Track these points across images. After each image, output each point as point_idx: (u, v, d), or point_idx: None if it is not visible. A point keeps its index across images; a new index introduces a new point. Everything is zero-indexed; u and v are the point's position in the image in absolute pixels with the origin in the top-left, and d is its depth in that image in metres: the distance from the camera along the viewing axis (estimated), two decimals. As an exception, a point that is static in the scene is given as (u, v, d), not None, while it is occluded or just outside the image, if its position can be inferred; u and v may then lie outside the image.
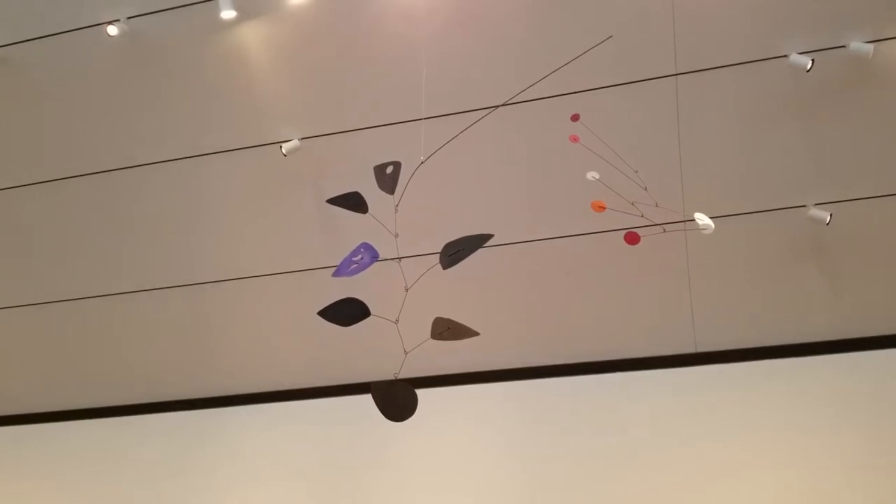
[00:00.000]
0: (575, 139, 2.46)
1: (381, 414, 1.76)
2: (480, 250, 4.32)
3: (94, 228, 4.34)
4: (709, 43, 3.52)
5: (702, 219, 2.19)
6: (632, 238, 2.27)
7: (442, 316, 1.90)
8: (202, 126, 3.97)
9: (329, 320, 1.91)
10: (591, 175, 2.48)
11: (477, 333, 1.90)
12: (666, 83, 3.60)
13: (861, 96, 3.55)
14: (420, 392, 4.77)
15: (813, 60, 3.41)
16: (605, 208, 2.27)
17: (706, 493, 3.81)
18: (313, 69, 3.77)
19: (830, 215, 3.68)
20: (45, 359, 4.81)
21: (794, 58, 3.46)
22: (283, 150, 3.85)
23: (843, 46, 3.43)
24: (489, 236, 1.78)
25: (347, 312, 1.91)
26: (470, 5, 3.49)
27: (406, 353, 1.82)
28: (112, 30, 3.65)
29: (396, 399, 1.69)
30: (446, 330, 1.90)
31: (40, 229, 4.40)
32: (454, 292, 4.20)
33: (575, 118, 2.61)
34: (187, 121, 3.96)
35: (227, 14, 3.51)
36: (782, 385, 4.00)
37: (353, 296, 1.93)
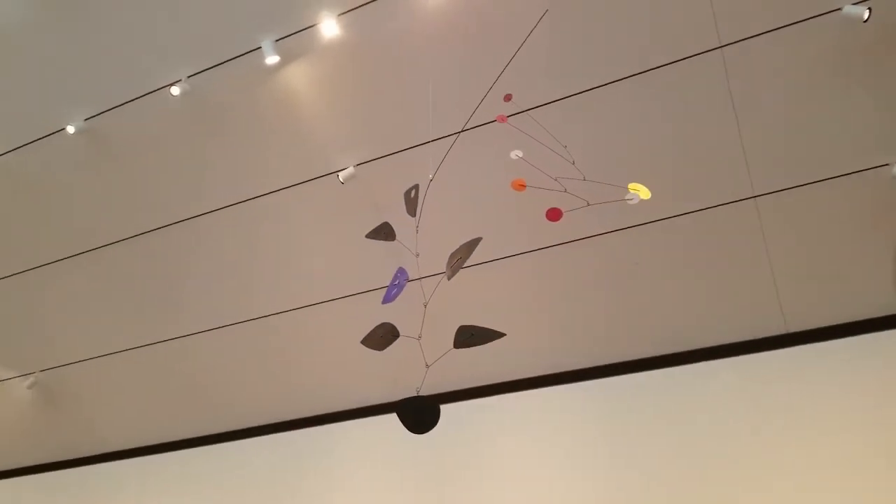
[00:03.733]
0: (502, 119, 2.39)
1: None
2: (541, 252, 4.22)
3: (174, 276, 4.67)
4: (750, 8, 3.35)
5: (634, 190, 2.07)
6: (553, 214, 2.14)
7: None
8: (263, 167, 4.20)
9: (369, 347, 1.99)
10: (515, 154, 2.39)
11: (503, 335, 1.89)
12: (711, 57, 3.45)
13: (933, 38, 3.25)
14: (497, 399, 4.71)
15: (870, 9, 3.17)
16: (525, 186, 2.18)
17: (818, 488, 3.56)
18: (358, 97, 3.89)
19: (918, 169, 3.39)
20: (150, 396, 5.24)
21: (848, 9, 3.23)
22: (341, 178, 4.00)
23: (903, -12, 3.17)
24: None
25: (381, 336, 1.98)
26: (491, 15, 3.50)
27: (427, 366, 1.85)
28: (175, 90, 3.95)
29: (417, 413, 1.73)
30: (470, 336, 1.92)
31: (136, 279, 4.78)
32: (523, 296, 4.19)
33: (507, 98, 2.53)
34: (248, 165, 4.20)
35: (272, 59, 3.72)
36: (888, 359, 3.70)
37: (399, 317, 1.99)
